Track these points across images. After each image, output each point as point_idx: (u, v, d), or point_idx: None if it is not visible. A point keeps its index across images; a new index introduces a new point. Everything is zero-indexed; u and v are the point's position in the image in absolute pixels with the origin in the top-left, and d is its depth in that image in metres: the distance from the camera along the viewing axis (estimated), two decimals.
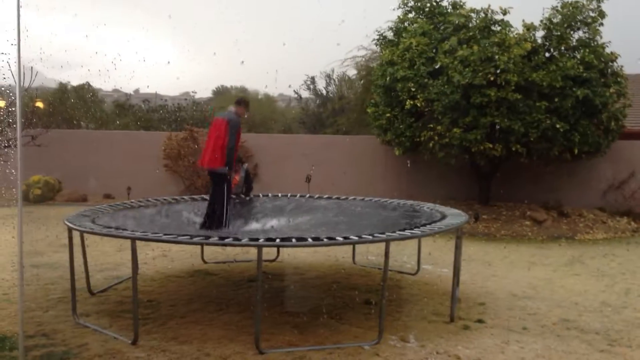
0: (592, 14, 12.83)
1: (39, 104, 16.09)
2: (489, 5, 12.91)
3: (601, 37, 12.86)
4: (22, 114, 3.99)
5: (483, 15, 12.94)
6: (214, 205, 7.10)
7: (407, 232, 5.84)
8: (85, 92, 24.37)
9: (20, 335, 4.42)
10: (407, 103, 12.87)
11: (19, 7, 3.66)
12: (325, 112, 26.37)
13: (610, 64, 12.92)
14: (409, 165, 14.68)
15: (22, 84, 3.96)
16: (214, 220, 7.04)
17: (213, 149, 6.99)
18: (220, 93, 36.79)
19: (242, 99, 7.49)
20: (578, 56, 12.65)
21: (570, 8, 12.77)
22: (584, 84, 12.16)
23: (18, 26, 3.63)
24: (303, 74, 25.90)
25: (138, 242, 5.38)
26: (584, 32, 12.92)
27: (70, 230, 6.00)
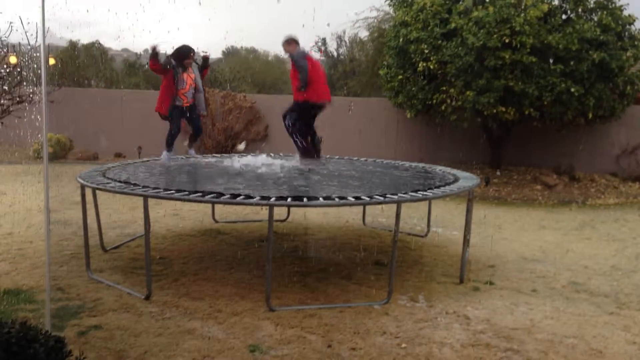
0: None
1: (51, 61, 16.03)
2: None
3: None
4: (45, 69, 3.97)
5: None
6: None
7: (419, 194, 5.83)
8: (95, 51, 24.23)
9: (47, 292, 4.53)
10: (420, 65, 12.71)
11: None
12: (336, 74, 26.12)
13: (628, 26, 12.64)
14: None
15: (45, 33, 3.93)
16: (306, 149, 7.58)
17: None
18: (231, 54, 36.49)
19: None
20: (595, 18, 12.40)
21: None
22: (601, 47, 11.94)
23: None
24: (314, 35, 25.49)
25: (150, 201, 5.41)
26: None
27: (82, 187, 6.04)
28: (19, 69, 6.82)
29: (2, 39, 7.47)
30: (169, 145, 7.80)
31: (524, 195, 12.34)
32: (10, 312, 4.82)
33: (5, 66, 6.85)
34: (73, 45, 23.23)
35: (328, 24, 24.72)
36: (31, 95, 6.83)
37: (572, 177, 13.55)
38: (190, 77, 7.65)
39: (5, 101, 6.65)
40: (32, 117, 8.21)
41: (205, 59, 8.13)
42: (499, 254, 7.33)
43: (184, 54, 7.55)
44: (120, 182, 5.99)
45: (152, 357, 4.12)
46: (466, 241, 6.28)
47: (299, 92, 7.68)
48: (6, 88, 6.46)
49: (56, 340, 3.30)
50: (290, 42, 7.68)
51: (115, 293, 5.46)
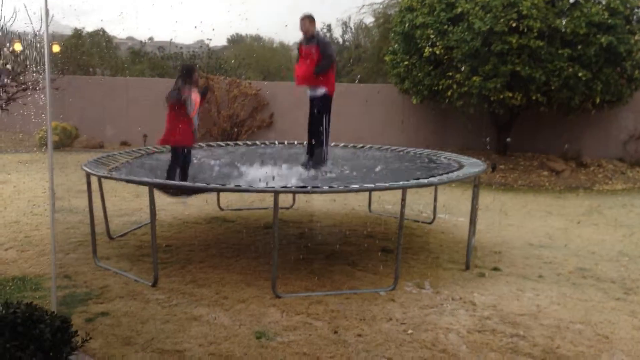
0: None
1: (55, 48, 16.02)
2: None
3: None
4: (49, 56, 3.97)
5: None
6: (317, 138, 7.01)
7: (424, 180, 5.81)
8: (100, 39, 24.17)
9: (53, 275, 4.55)
10: (426, 51, 12.63)
11: None
12: (342, 61, 25.99)
13: (637, 10, 12.50)
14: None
15: (47, 20, 3.92)
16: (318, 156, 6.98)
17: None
18: (236, 41, 36.34)
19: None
20: (603, 2, 12.24)
21: None
22: (609, 30, 11.80)
23: None
24: (320, 21, 25.34)
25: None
26: None
27: (88, 175, 6.04)
28: (22, 55, 6.80)
29: (7, 26, 7.46)
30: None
31: (530, 181, 12.29)
32: (17, 299, 4.84)
33: (10, 52, 6.85)
34: (78, 33, 23.16)
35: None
36: (35, 82, 6.82)
37: (580, 162, 13.48)
38: (197, 99, 6.89)
39: (10, 88, 6.65)
40: (38, 104, 8.20)
41: (206, 88, 7.73)
42: (505, 240, 7.31)
43: (190, 70, 6.92)
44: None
45: (159, 343, 4.14)
46: (472, 227, 6.26)
47: (312, 78, 7.02)
48: (6, 80, 6.46)
49: (62, 321, 3.32)
50: (313, 20, 7.02)
51: (122, 280, 5.47)
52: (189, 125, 6.78)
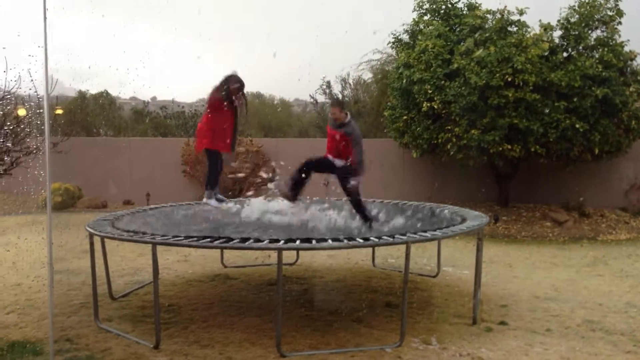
0: (610, 13, 12.71)
1: (59, 111, 16.29)
2: (505, 6, 12.82)
3: (620, 36, 12.74)
4: (48, 119, 4.06)
5: (499, 16, 12.85)
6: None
7: (428, 234, 5.81)
8: (103, 100, 24.61)
9: (50, 340, 4.50)
10: (424, 105, 12.82)
11: (45, 12, 3.72)
12: None
13: (630, 62, 12.78)
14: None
15: (48, 85, 4.03)
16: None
17: None
18: None
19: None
20: (596, 55, 12.53)
21: (588, 7, 12.69)
22: (603, 83, 12.03)
23: (45, 31, 3.68)
24: (319, 78, 25.77)
25: (158, 247, 5.40)
26: (602, 31, 12.81)
27: (91, 235, 6.05)
28: (27, 121, 6.93)
29: (11, 92, 7.61)
30: (214, 184, 7.19)
31: (533, 232, 12.25)
32: None
33: (14, 119, 6.98)
34: (82, 95, 23.60)
35: (325, 78, 24.71)
36: (39, 146, 6.93)
37: (582, 213, 13.46)
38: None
39: (14, 153, 6.75)
40: (41, 167, 8.27)
41: None
42: (511, 293, 7.23)
43: (235, 81, 7.07)
44: (129, 230, 6.00)
45: None
46: (477, 281, 6.21)
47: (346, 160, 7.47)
48: (10, 145, 6.58)
49: None
50: (342, 108, 7.28)
51: (123, 342, 5.40)
52: (231, 131, 6.85)
